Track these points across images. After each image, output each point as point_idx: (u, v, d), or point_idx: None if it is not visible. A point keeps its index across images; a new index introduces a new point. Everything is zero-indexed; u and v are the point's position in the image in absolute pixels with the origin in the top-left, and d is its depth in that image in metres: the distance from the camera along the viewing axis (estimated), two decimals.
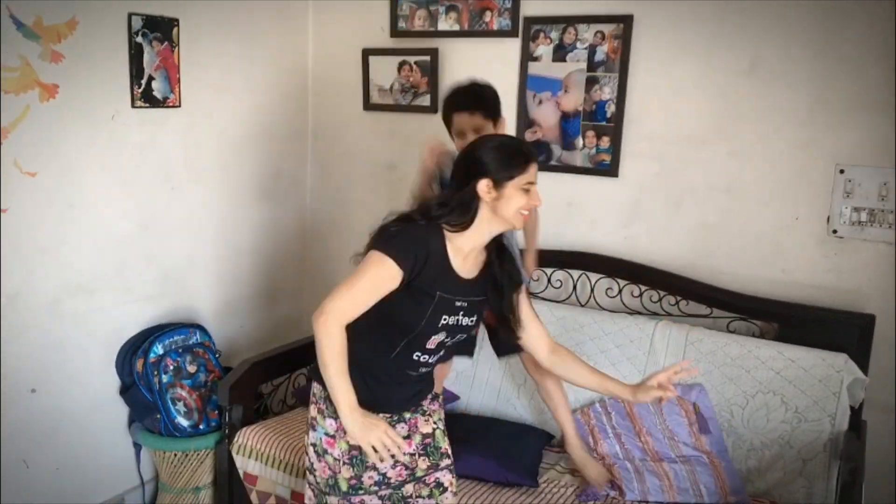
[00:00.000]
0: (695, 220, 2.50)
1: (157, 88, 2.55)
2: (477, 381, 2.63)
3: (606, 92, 2.57)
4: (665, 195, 2.54)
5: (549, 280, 2.70)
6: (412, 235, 1.60)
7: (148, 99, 2.53)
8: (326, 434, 1.70)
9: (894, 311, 2.21)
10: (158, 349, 2.53)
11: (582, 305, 2.65)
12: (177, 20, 2.56)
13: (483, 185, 1.59)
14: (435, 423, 1.83)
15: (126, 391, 2.55)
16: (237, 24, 2.81)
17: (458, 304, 1.65)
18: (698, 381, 2.28)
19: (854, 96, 2.23)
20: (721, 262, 2.46)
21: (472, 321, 1.70)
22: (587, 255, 2.64)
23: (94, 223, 2.44)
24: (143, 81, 2.50)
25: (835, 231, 2.27)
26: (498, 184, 1.59)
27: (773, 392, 2.20)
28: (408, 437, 1.76)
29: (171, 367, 2.53)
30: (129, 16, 2.42)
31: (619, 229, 2.62)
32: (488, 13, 2.74)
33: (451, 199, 1.62)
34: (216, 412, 2.54)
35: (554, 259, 2.65)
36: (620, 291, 2.59)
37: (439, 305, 1.62)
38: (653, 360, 2.40)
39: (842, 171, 2.25)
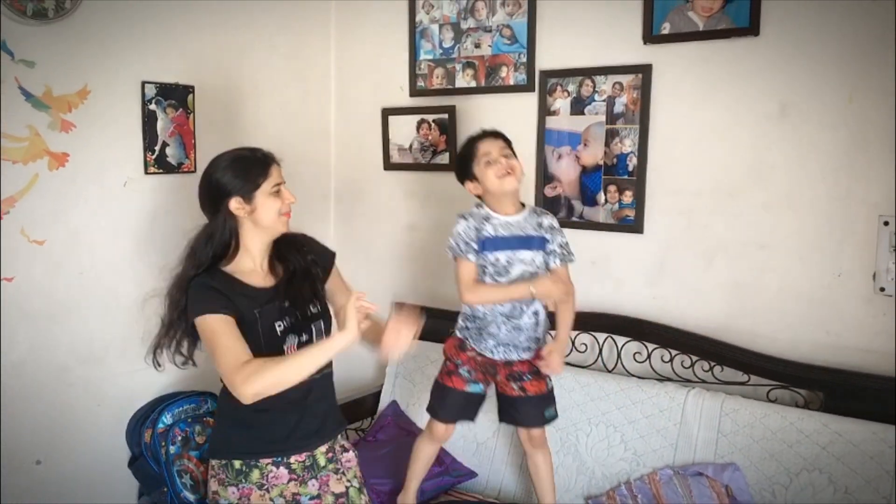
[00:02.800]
0: (727, 278, 2.32)
1: (172, 154, 2.56)
2: (498, 455, 2.46)
3: (627, 144, 2.44)
4: (694, 252, 2.37)
5: (573, 344, 2.54)
6: (203, 288, 1.64)
7: (162, 165, 2.53)
8: None
9: None
10: (167, 419, 2.46)
11: (608, 371, 2.47)
12: (192, 87, 2.58)
13: (234, 204, 1.62)
14: (349, 480, 1.75)
15: (134, 462, 2.48)
16: (256, 88, 2.82)
17: (280, 307, 1.68)
18: (733, 458, 2.07)
19: (894, 140, 2.05)
20: (758, 324, 2.26)
21: (314, 309, 1.75)
22: (613, 316, 2.47)
23: (105, 290, 2.42)
24: (157, 148, 2.51)
25: (882, 289, 2.06)
26: (246, 198, 1.63)
27: (820, 470, 1.96)
28: (318, 498, 1.64)
29: (180, 438, 2.44)
30: (143, 84, 2.44)
31: (646, 289, 2.45)
32: (504, 68, 2.67)
33: (212, 230, 1.66)
34: None
35: (578, 321, 2.46)
36: (649, 356, 2.40)
37: (265, 320, 1.64)
38: (685, 431, 2.20)
39: (886, 223, 2.05)
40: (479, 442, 2.50)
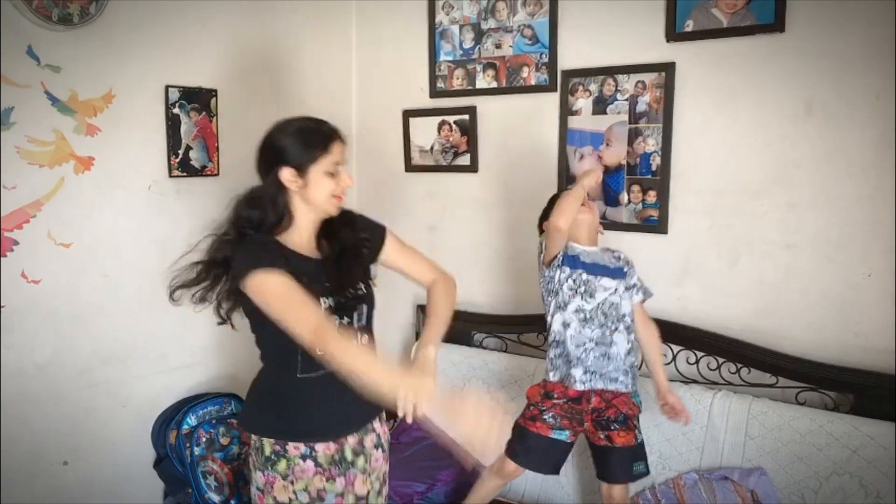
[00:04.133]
0: (753, 278, 2.28)
1: (195, 157, 2.57)
2: None
3: (650, 144, 2.42)
4: (719, 252, 2.34)
5: None
6: (259, 245, 1.53)
7: (185, 168, 2.55)
8: (257, 488, 1.61)
9: None
10: (192, 420, 2.48)
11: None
12: (215, 91, 2.60)
13: (286, 174, 1.51)
14: (373, 482, 1.69)
15: (159, 464, 2.51)
16: (278, 90, 2.83)
17: (326, 285, 1.55)
18: (761, 462, 2.03)
19: None
20: (785, 325, 2.23)
21: (360, 291, 1.64)
22: None
23: (130, 292, 2.44)
24: (181, 151, 2.53)
25: None
26: (301, 170, 1.51)
27: (850, 474, 1.93)
28: (341, 496, 1.62)
29: (204, 440, 2.46)
30: (167, 88, 2.46)
31: (670, 290, 2.42)
32: (525, 69, 2.66)
33: (258, 195, 1.56)
34: (248, 487, 2.45)
35: None
36: (675, 358, 2.37)
37: (312, 295, 1.47)
38: (711, 434, 2.17)
39: None
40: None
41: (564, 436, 2.06)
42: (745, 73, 2.26)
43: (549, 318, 2.11)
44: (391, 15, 3.00)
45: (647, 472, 2.06)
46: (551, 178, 2.62)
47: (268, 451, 1.59)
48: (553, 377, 2.08)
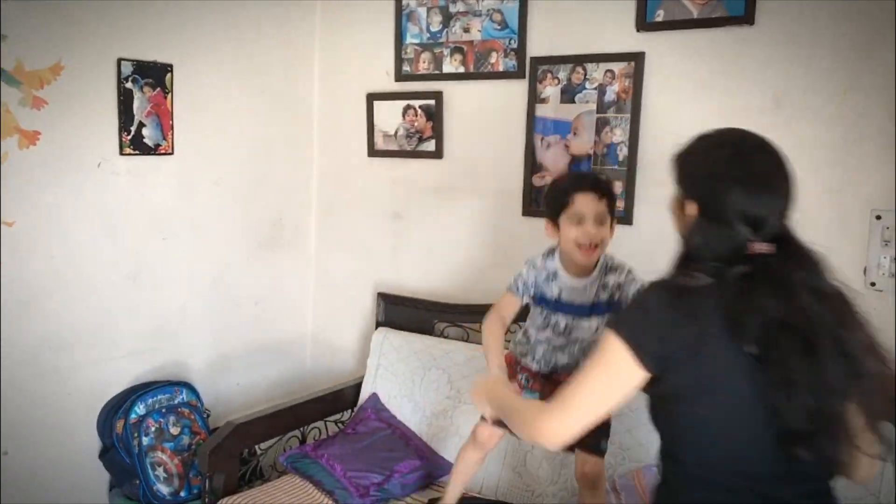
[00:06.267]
0: None
1: (148, 135, 2.47)
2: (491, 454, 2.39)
3: (618, 134, 2.40)
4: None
5: None
6: None
7: (138, 146, 2.44)
8: None
9: None
10: (140, 409, 2.39)
11: None
12: (170, 66, 2.49)
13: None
14: None
15: (105, 454, 2.41)
16: (237, 68, 2.74)
17: None
18: None
19: (888, 134, 2.01)
20: None
21: None
22: None
23: (78, 275, 2.33)
24: (133, 128, 2.42)
25: (873, 284, 2.03)
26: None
27: None
28: None
29: (153, 429, 2.37)
30: (119, 61, 2.35)
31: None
32: (494, 54, 2.61)
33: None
34: (199, 478, 2.37)
35: None
36: None
37: None
38: None
39: (878, 217, 2.02)
40: (463, 436, 2.44)
41: (535, 397, 1.99)
42: (714, 65, 2.25)
43: None
44: None
45: (606, 450, 2.00)
46: (517, 167, 2.58)
47: None
48: (514, 349, 2.04)
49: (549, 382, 1.99)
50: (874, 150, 2.03)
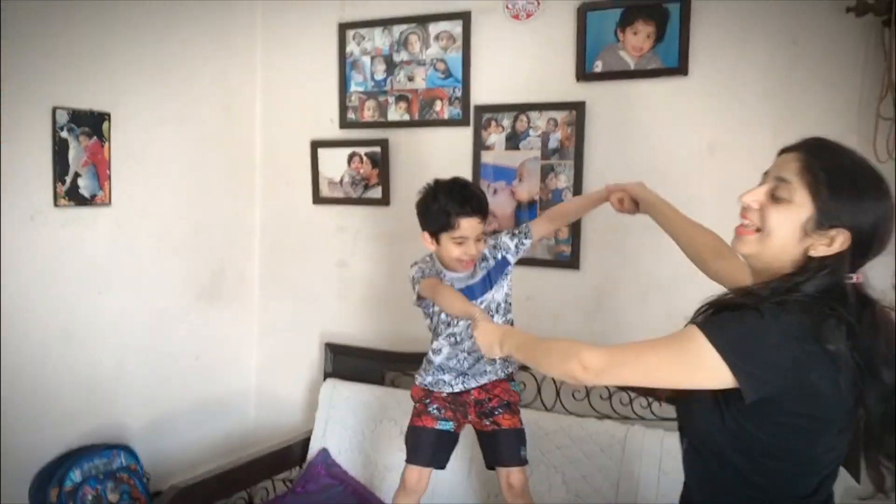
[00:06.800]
0: (661, 312, 2.33)
1: (84, 185, 2.38)
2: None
3: (562, 180, 2.45)
4: (629, 288, 2.38)
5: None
6: None
7: (73, 197, 2.35)
8: None
9: None
10: (76, 476, 2.25)
11: (547, 410, 2.43)
12: (107, 114, 2.42)
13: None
14: None
15: None
16: (176, 116, 2.68)
17: None
18: (675, 498, 2.04)
19: None
20: None
21: None
22: None
23: (7, 333, 2.20)
24: (69, 178, 2.33)
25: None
26: None
27: None
28: None
29: (90, 497, 2.24)
30: (54, 109, 2.27)
31: (583, 325, 2.44)
32: (438, 102, 2.64)
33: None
34: None
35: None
36: (588, 394, 2.38)
37: None
38: (626, 469, 2.17)
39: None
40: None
41: (449, 426, 2.05)
42: (651, 113, 2.34)
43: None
44: (298, 43, 2.92)
45: (527, 462, 2.04)
46: None
47: None
48: (425, 380, 2.07)
49: (459, 409, 2.05)
50: None
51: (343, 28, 2.80)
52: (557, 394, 2.43)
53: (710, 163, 2.27)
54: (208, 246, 2.84)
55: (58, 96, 2.28)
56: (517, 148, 2.51)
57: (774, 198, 1.24)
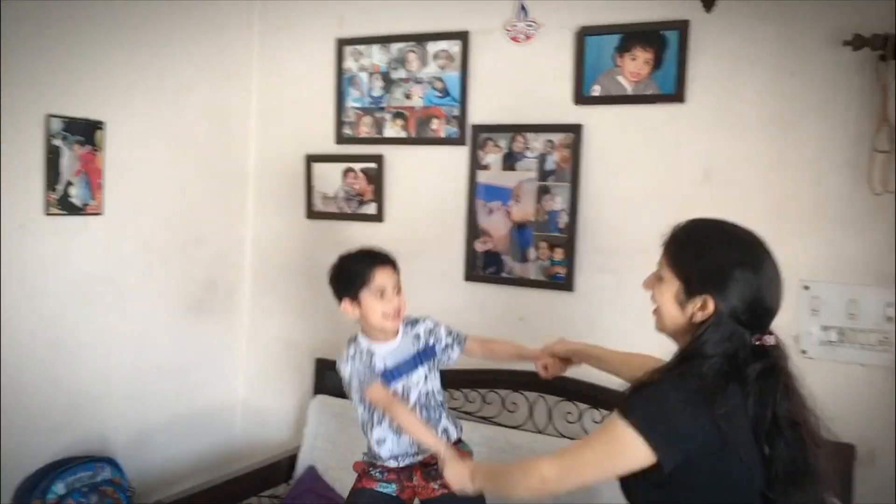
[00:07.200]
0: (655, 337, 2.32)
1: (76, 195, 2.35)
2: None
3: (559, 202, 2.45)
4: (623, 311, 2.38)
5: (503, 403, 2.48)
6: None
7: (65, 206, 2.32)
8: None
9: (878, 439, 2.05)
10: (59, 489, 2.21)
11: (539, 432, 2.42)
12: (102, 123, 2.40)
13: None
14: None
15: None
16: (171, 127, 2.66)
17: None
18: None
19: (812, 208, 2.15)
20: None
21: None
22: None
23: None
24: (60, 187, 2.30)
25: (804, 351, 2.13)
26: None
27: None
28: None
29: None
30: (48, 117, 2.24)
31: None
32: (435, 121, 2.64)
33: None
34: None
35: (508, 380, 2.45)
36: (581, 417, 2.38)
37: None
38: (619, 493, 2.16)
39: (806, 288, 2.14)
40: None
41: (391, 489, 1.93)
42: (648, 138, 2.35)
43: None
44: (295, 57, 2.92)
45: None
46: (459, 231, 2.60)
47: None
48: (367, 460, 1.99)
49: (402, 472, 1.95)
50: (800, 224, 2.15)
51: (341, 44, 2.80)
52: (549, 416, 2.42)
53: (705, 190, 2.28)
54: (199, 258, 2.82)
55: (52, 103, 2.26)
56: (513, 168, 2.52)
57: (658, 279, 1.44)
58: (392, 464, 1.94)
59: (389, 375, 1.89)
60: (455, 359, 2.00)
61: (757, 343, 1.31)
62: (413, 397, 1.91)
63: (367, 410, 1.95)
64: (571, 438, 2.34)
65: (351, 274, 1.92)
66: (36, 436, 2.29)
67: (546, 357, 1.96)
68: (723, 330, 1.31)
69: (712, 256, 1.37)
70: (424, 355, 1.95)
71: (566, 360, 1.95)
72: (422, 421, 1.86)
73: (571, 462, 1.39)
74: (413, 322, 1.98)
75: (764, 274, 1.35)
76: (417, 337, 1.96)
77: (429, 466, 1.92)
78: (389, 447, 1.92)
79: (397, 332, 1.94)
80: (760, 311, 1.33)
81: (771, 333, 1.34)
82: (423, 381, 1.93)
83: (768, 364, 1.30)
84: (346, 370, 1.92)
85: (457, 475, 1.68)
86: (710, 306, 1.32)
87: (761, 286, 1.33)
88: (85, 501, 2.23)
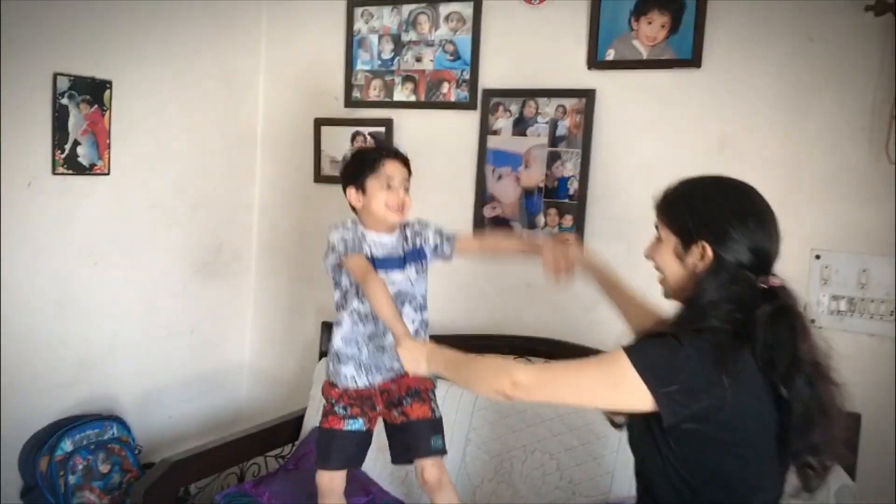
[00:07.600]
0: (666, 304, 2.32)
1: (83, 154, 2.34)
2: None
3: (569, 168, 2.43)
4: (632, 278, 2.35)
5: None
6: None
7: (72, 165, 2.31)
8: None
9: (884, 409, 2.04)
10: (67, 445, 2.23)
11: None
12: (109, 82, 2.38)
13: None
14: None
15: (28, 494, 2.24)
16: (179, 87, 2.64)
17: None
18: None
19: (827, 178, 2.12)
20: None
21: None
22: (549, 341, 2.43)
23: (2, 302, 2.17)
24: (68, 146, 2.29)
25: (813, 321, 2.11)
26: None
27: None
28: None
29: (81, 467, 2.23)
30: (55, 76, 2.22)
31: (583, 313, 2.42)
32: (446, 84, 2.61)
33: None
34: None
35: (514, 346, 2.44)
36: None
37: None
38: (622, 459, 2.17)
39: (818, 257, 2.12)
40: (409, 469, 2.39)
41: (359, 425, 1.94)
42: (662, 105, 2.32)
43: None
44: (305, 18, 2.88)
45: (445, 451, 1.97)
46: (468, 197, 2.58)
47: None
48: (328, 372, 1.98)
49: (365, 402, 1.95)
50: (813, 192, 2.12)
51: (351, 5, 2.76)
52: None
53: (719, 158, 2.25)
54: (206, 220, 2.81)
55: (60, 62, 2.24)
56: (524, 134, 2.49)
57: (657, 242, 1.44)
58: (351, 385, 1.91)
59: (373, 264, 1.86)
60: (449, 254, 1.99)
61: (764, 286, 1.29)
62: (391, 292, 1.85)
63: (340, 293, 1.94)
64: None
65: (362, 161, 1.92)
66: (44, 393, 2.31)
67: (555, 250, 1.88)
68: (725, 273, 1.29)
69: (703, 204, 1.36)
70: (410, 256, 1.95)
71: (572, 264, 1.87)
72: (393, 305, 1.79)
73: (553, 376, 1.35)
74: (406, 225, 1.99)
75: (758, 216, 1.33)
76: (406, 238, 1.97)
77: (390, 393, 1.93)
78: (342, 333, 1.90)
79: (394, 230, 1.95)
80: (760, 253, 1.31)
81: (776, 276, 1.32)
82: (408, 283, 1.93)
83: (778, 304, 1.27)
84: (335, 235, 1.90)
85: (411, 355, 1.63)
86: (709, 253, 1.31)
87: (757, 228, 1.31)
88: (92, 458, 2.26)
